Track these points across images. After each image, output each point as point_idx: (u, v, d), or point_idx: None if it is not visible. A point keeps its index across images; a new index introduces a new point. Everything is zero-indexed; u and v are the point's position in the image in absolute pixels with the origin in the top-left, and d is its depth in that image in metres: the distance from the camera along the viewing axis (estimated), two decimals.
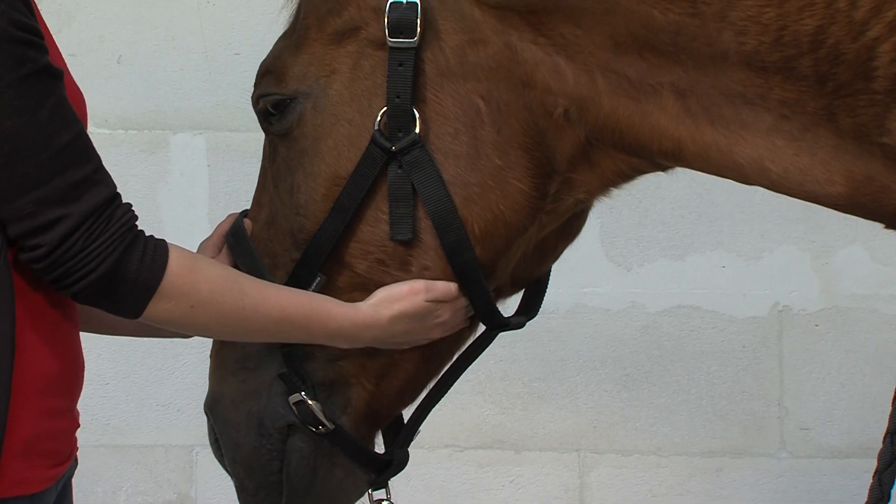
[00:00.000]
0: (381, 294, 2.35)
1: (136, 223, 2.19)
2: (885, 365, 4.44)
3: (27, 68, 2.07)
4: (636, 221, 4.47)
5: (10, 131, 2.06)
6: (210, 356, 2.57)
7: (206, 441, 4.51)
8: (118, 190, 2.19)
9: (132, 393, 4.60)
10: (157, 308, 2.19)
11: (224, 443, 2.52)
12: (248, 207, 2.57)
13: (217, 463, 4.53)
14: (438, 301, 2.35)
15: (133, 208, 2.20)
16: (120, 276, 2.14)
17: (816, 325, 4.47)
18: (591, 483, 4.56)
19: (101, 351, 4.40)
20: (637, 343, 4.52)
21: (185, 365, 4.59)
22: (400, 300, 2.34)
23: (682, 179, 4.44)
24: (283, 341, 2.40)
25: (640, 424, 4.53)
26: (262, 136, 4.64)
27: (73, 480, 2.45)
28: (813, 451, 4.48)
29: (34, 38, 2.10)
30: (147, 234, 2.21)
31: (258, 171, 4.46)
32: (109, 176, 2.19)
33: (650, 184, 4.37)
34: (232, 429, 2.50)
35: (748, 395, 4.49)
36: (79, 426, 2.38)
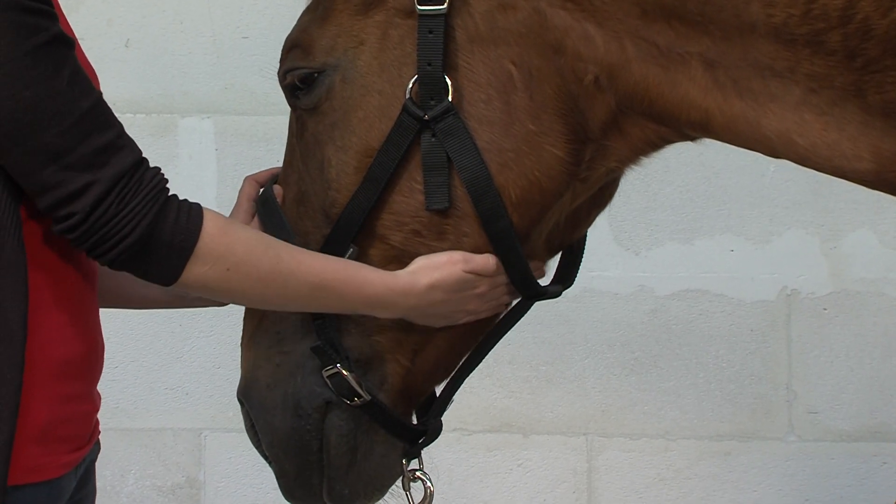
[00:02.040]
0: (419, 262, 2.34)
1: (167, 186, 2.16)
2: (894, 349, 4.44)
3: (41, 37, 2.05)
4: (644, 205, 4.46)
5: (30, 101, 2.04)
6: (241, 345, 2.54)
7: (215, 424, 4.56)
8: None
9: (140, 376, 4.60)
10: (193, 272, 2.16)
11: (260, 428, 2.49)
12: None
13: (224, 446, 4.56)
14: (476, 273, 2.34)
15: (162, 171, 2.16)
16: (155, 238, 2.11)
17: (825, 309, 4.47)
18: (599, 467, 4.56)
19: (109, 334, 4.37)
20: (645, 327, 4.51)
21: (194, 348, 4.59)
22: (438, 268, 2.33)
23: (691, 163, 4.45)
24: (318, 310, 2.38)
25: (648, 408, 4.53)
26: (269, 119, 4.64)
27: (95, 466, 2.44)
28: (821, 435, 4.48)
29: (45, 6, 2.08)
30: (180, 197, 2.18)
31: (266, 154, 4.48)
32: (133, 141, 2.15)
33: (658, 167, 4.37)
34: (268, 413, 2.46)
35: (756, 378, 4.49)
36: (98, 409, 2.35)
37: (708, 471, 4.53)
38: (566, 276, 2.59)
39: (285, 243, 2.31)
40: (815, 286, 4.47)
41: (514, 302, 2.52)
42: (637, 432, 4.54)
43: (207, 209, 2.19)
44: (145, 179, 2.12)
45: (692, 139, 2.34)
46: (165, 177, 2.17)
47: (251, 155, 4.53)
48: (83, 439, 2.28)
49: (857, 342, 4.46)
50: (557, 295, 2.55)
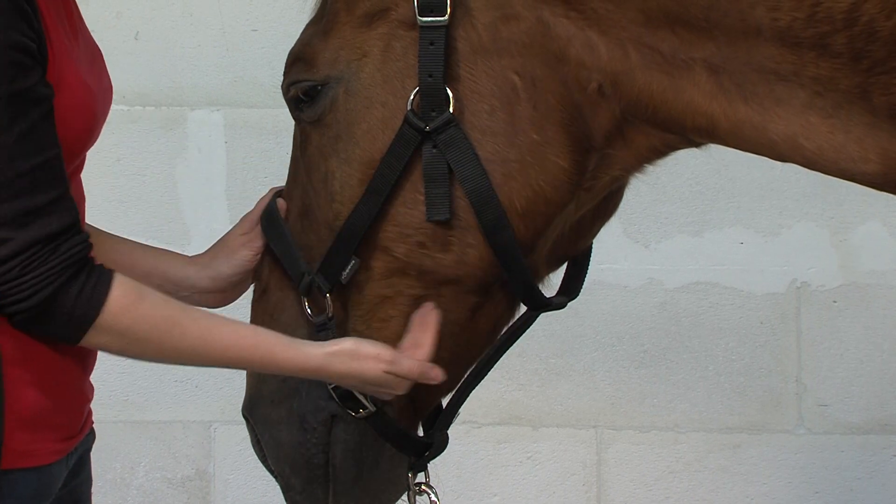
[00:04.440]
0: (347, 344, 2.31)
1: (87, 256, 2.16)
2: None
3: (2, 90, 2.05)
4: (654, 198, 4.46)
5: None
6: None
7: (224, 417, 4.56)
8: (77, 219, 2.16)
9: (150, 369, 4.60)
10: (92, 340, 2.18)
11: (266, 443, 2.49)
12: (282, 186, 2.54)
13: (234, 439, 4.57)
14: (399, 376, 2.31)
15: (88, 240, 2.17)
16: (54, 308, 2.12)
17: (835, 302, 4.46)
18: (608, 459, 4.57)
19: None
20: (655, 319, 4.51)
21: None
22: (359, 360, 2.29)
23: (701, 156, 4.42)
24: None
25: (657, 401, 4.53)
26: (278, 111, 4.63)
27: (91, 455, 2.45)
28: (831, 428, 4.48)
29: (23, 58, 2.08)
30: (97, 265, 2.18)
31: (275, 147, 4.48)
32: (71, 207, 2.16)
33: (667, 160, 4.37)
34: (273, 428, 2.47)
35: (766, 371, 4.49)
36: (91, 399, 2.38)
37: (717, 463, 4.53)
38: (571, 288, 2.60)
39: (198, 317, 2.27)
40: (824, 278, 4.46)
41: (520, 314, 2.51)
42: (646, 425, 4.54)
43: (123, 281, 2.18)
44: (61, 249, 2.12)
45: (697, 145, 2.34)
46: (88, 245, 2.16)
47: (260, 147, 4.54)
48: (74, 428, 2.32)
49: (867, 334, 4.46)
50: (562, 307, 2.55)
